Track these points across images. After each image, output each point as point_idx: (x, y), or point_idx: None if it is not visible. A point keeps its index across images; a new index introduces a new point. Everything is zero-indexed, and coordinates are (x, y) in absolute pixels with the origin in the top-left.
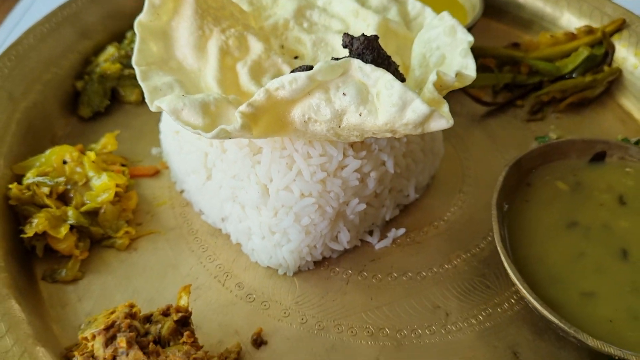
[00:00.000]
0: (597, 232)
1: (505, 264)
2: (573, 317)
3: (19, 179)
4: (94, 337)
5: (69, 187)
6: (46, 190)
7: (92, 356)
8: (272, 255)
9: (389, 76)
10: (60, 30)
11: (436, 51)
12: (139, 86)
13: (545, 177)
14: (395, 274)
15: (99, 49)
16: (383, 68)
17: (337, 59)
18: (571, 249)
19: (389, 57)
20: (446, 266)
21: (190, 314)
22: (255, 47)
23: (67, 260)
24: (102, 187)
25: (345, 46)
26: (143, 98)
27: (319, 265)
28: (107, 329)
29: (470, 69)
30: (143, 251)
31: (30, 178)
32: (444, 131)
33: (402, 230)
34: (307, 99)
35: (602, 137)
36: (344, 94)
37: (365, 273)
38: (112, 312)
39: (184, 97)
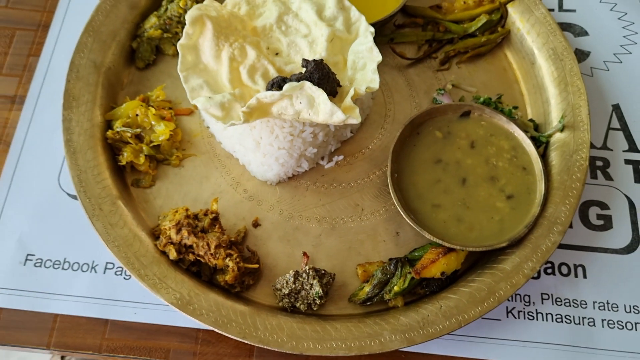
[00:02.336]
0: (452, 167)
1: (390, 189)
2: (425, 219)
3: (109, 122)
4: (169, 228)
5: (141, 132)
6: (128, 134)
7: (170, 238)
8: (262, 175)
9: (325, 97)
10: (117, 6)
11: (361, 60)
12: (174, 44)
13: (429, 128)
14: (335, 184)
15: (144, 16)
16: (325, 80)
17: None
18: (433, 177)
19: (329, 73)
20: (366, 179)
21: (219, 214)
22: (251, 54)
23: (144, 174)
24: (161, 132)
25: (303, 66)
26: (177, 52)
27: (291, 179)
28: (176, 224)
29: (375, 83)
30: (187, 168)
31: (118, 127)
32: None
33: (341, 157)
34: (280, 102)
35: (469, 103)
36: (300, 102)
37: (317, 183)
38: (176, 211)
39: (210, 99)
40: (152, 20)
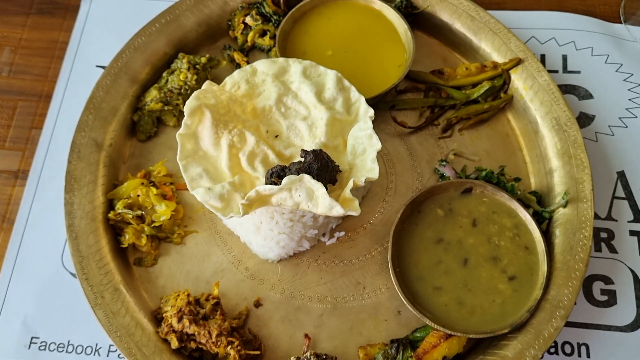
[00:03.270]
0: (453, 246)
1: (391, 273)
2: (426, 302)
3: (110, 201)
4: (170, 317)
5: (142, 212)
6: (130, 216)
7: (171, 326)
8: (263, 254)
9: (324, 191)
10: (118, 81)
11: (361, 145)
12: (175, 116)
13: (430, 206)
14: (337, 261)
15: (145, 88)
16: (325, 170)
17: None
18: (434, 258)
19: (328, 163)
20: (367, 256)
21: (220, 299)
22: (250, 140)
23: (147, 253)
24: (162, 212)
25: (302, 157)
26: (179, 123)
27: (293, 257)
28: (177, 312)
29: (374, 172)
30: (189, 245)
31: (120, 209)
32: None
33: (343, 233)
34: (279, 194)
35: (470, 180)
36: (299, 194)
37: (319, 261)
38: (178, 295)
39: (209, 191)
40: (153, 93)
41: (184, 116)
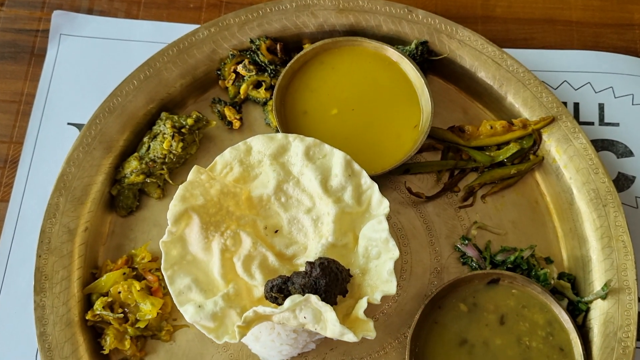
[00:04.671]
0: (478, 349)
1: None
2: None
3: (88, 296)
4: None
5: (124, 311)
6: (111, 317)
7: None
8: (263, 357)
9: (333, 316)
10: (91, 153)
11: (375, 247)
12: (160, 187)
13: (452, 300)
14: (346, 359)
15: (123, 158)
16: (334, 284)
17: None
18: None
19: (337, 275)
20: (380, 352)
21: None
22: (246, 242)
23: (131, 355)
24: (147, 311)
25: (307, 270)
26: (164, 195)
27: (296, 357)
28: None
29: (392, 287)
30: (180, 342)
31: (99, 309)
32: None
33: None
34: (281, 314)
35: (498, 271)
36: (304, 316)
37: (326, 359)
38: None
39: (200, 310)
40: (133, 164)
41: (169, 186)
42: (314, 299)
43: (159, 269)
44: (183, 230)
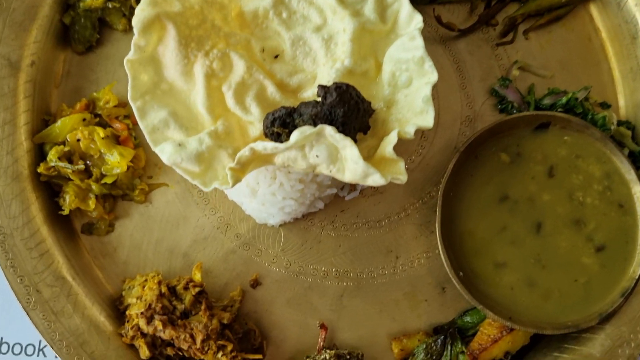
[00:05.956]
0: (522, 206)
1: (439, 245)
2: (485, 285)
3: (40, 146)
4: (137, 316)
5: (87, 164)
6: (69, 170)
7: (139, 329)
8: (261, 219)
9: (355, 151)
10: None
11: (405, 72)
12: (125, 16)
13: (492, 149)
14: (360, 223)
15: None
16: (354, 116)
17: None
18: (496, 223)
19: (358, 104)
20: (401, 214)
21: (204, 286)
22: (238, 66)
23: (98, 218)
24: (115, 163)
25: (319, 95)
26: (130, 27)
27: (300, 218)
28: (146, 310)
29: (429, 119)
30: (157, 204)
31: (53, 160)
32: None
33: None
34: (286, 152)
35: (549, 112)
36: (317, 155)
37: (336, 223)
38: (145, 281)
39: (180, 149)
40: None
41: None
42: (329, 130)
43: (128, 116)
44: (155, 47)
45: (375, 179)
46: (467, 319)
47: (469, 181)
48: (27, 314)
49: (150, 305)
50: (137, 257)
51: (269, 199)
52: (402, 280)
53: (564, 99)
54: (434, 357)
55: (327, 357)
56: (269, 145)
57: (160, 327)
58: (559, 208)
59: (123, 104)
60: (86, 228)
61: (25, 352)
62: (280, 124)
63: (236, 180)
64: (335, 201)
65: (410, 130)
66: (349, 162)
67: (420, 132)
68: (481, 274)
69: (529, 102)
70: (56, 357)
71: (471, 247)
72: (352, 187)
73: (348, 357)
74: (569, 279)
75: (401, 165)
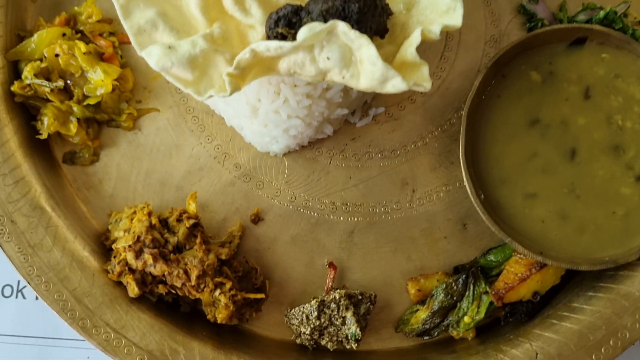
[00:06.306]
0: (554, 130)
1: (463, 172)
2: (513, 217)
3: (15, 64)
4: (124, 249)
5: (67, 83)
6: (47, 89)
7: (127, 264)
8: (263, 145)
9: (373, 50)
10: None
11: None
12: None
13: (521, 67)
14: (373, 153)
15: None
16: (371, 13)
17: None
18: (526, 149)
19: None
20: (418, 143)
21: (199, 218)
22: None
23: (82, 145)
24: (99, 82)
25: None
26: None
27: (306, 146)
28: (134, 243)
29: (456, 16)
30: (147, 131)
31: (29, 77)
32: None
33: (381, 109)
34: (292, 56)
35: (586, 25)
36: (327, 57)
37: (346, 153)
38: (134, 212)
39: (171, 51)
40: None
41: None
42: (342, 27)
43: (114, 34)
44: None
45: (396, 84)
46: (491, 257)
47: (496, 103)
48: (1, 246)
49: (139, 237)
50: (124, 190)
51: (272, 118)
52: (419, 216)
53: (601, 14)
54: (455, 298)
55: (337, 297)
56: (273, 45)
57: (150, 261)
58: (596, 133)
59: (108, 20)
60: (68, 157)
61: (3, 294)
62: (286, 24)
63: (235, 87)
64: (345, 128)
65: (435, 30)
66: (365, 65)
67: (440, 52)
68: (509, 205)
69: (560, 19)
70: (37, 298)
71: (498, 175)
72: (364, 112)
73: (360, 297)
74: (606, 210)
75: (425, 69)
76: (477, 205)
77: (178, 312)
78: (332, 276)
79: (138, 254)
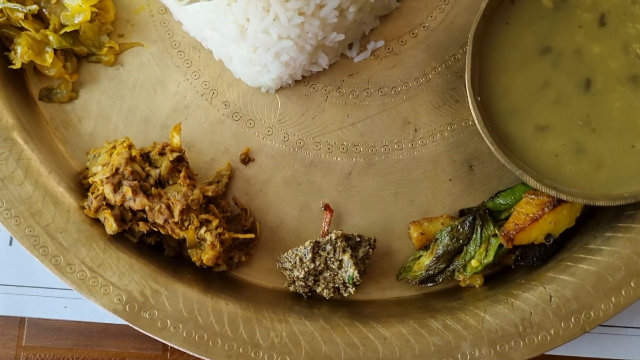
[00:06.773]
0: (567, 59)
1: (469, 100)
2: (524, 151)
3: None
4: (101, 182)
5: (41, 8)
6: (20, 15)
7: (105, 199)
8: (253, 78)
9: None
10: None
11: None
12: None
13: None
14: (372, 90)
15: None
16: None
17: None
18: (537, 78)
19: None
20: (420, 80)
21: (184, 152)
22: None
23: (59, 80)
24: (77, 10)
25: None
26: None
27: (300, 82)
28: (112, 175)
29: None
30: (129, 67)
31: (0, 1)
32: None
33: (381, 42)
34: None
35: None
36: None
37: (343, 89)
38: (113, 147)
39: None
40: None
41: None
42: None
43: None
44: None
45: None
46: (500, 200)
47: (505, 30)
48: None
49: (117, 169)
50: (105, 129)
51: (261, 40)
52: (421, 157)
53: None
54: (461, 242)
55: (333, 239)
56: None
57: (129, 194)
58: (612, 62)
59: None
60: (45, 93)
61: None
62: None
63: None
64: (342, 63)
65: None
66: None
67: None
68: (519, 138)
69: None
70: (11, 244)
71: (507, 107)
72: (363, 46)
73: (358, 239)
74: (625, 144)
75: None
76: (484, 135)
77: (162, 256)
78: (328, 219)
79: (116, 187)
